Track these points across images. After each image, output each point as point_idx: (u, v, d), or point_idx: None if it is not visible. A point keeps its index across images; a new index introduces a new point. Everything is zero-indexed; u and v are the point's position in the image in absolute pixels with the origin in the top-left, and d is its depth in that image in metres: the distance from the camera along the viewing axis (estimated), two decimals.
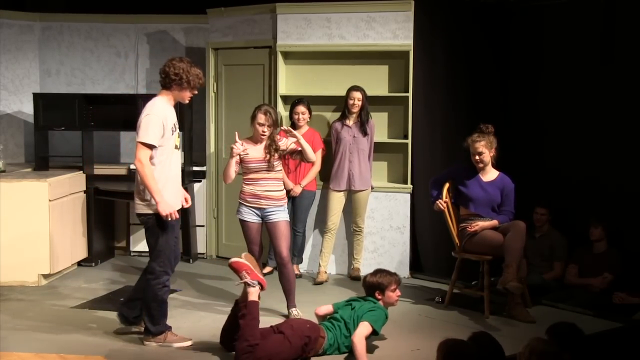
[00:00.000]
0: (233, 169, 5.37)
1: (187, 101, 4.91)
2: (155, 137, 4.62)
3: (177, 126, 4.83)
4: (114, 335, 5.00)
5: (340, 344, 4.67)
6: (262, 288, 4.76)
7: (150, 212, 4.72)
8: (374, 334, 4.70)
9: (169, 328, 4.91)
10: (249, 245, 5.49)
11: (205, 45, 7.36)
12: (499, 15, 7.05)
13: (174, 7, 7.79)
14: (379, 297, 4.86)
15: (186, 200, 5.01)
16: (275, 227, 5.39)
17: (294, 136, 5.41)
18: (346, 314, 4.77)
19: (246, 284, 4.71)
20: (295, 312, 5.40)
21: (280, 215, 5.41)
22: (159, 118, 4.64)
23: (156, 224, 4.73)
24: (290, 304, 5.47)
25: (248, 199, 5.41)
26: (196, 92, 4.86)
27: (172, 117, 4.76)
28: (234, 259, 4.83)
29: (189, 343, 4.85)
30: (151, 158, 4.66)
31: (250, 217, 5.43)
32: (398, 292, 4.92)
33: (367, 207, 6.61)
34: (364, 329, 4.63)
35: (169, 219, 4.69)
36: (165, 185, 4.71)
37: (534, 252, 6.36)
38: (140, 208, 4.76)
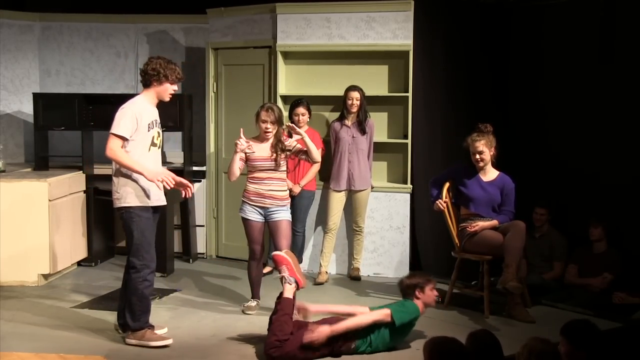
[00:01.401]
0: (237, 165, 5.39)
1: (168, 99, 4.90)
2: (127, 129, 4.68)
3: (156, 124, 4.84)
4: (114, 335, 4.99)
5: (372, 340, 4.66)
6: (297, 287, 4.81)
7: (123, 205, 4.76)
8: (392, 324, 4.63)
9: (150, 326, 4.88)
10: (251, 245, 5.50)
11: (205, 45, 7.36)
12: (499, 15, 7.05)
13: (173, 7, 7.78)
14: (419, 295, 4.82)
15: (186, 188, 4.93)
16: (277, 226, 5.41)
17: (298, 133, 5.43)
18: None
19: (282, 279, 4.77)
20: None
21: (283, 215, 5.43)
22: (132, 112, 4.71)
23: (131, 217, 4.75)
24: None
25: (252, 198, 5.43)
26: (176, 87, 4.88)
27: (149, 115, 4.79)
28: (277, 252, 4.89)
29: (167, 342, 4.79)
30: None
31: (254, 215, 5.44)
32: (436, 292, 4.91)
33: (367, 207, 6.61)
34: (379, 314, 4.63)
35: (167, 187, 4.77)
36: (140, 181, 4.75)
37: (534, 252, 6.36)
38: (114, 202, 4.82)
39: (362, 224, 6.59)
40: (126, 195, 4.76)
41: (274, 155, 5.37)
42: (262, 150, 5.41)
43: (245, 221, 5.47)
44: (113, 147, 4.69)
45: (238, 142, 5.35)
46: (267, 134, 5.39)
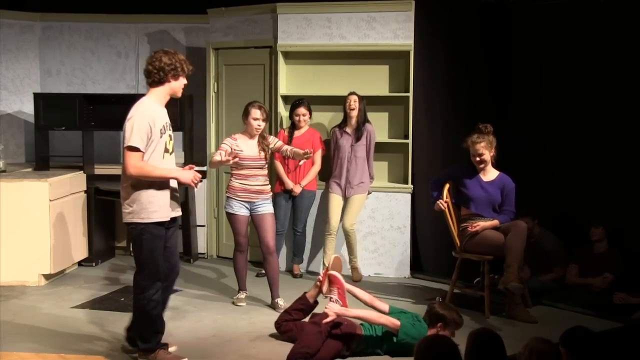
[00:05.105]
0: (220, 160, 5.28)
1: (180, 95, 4.49)
2: (142, 140, 4.21)
3: (168, 127, 4.40)
4: (114, 335, 4.98)
5: (373, 344, 4.67)
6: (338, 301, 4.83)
7: (135, 220, 4.30)
8: (395, 335, 4.58)
9: (163, 346, 4.51)
10: (238, 238, 5.66)
11: (205, 45, 7.37)
12: (499, 15, 7.05)
13: (174, 7, 7.79)
14: (439, 329, 4.51)
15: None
16: (262, 219, 5.61)
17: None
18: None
19: (330, 299, 4.79)
20: (281, 303, 5.50)
21: (268, 208, 5.66)
22: (142, 119, 4.23)
23: (141, 234, 4.31)
24: (274, 294, 5.64)
25: (239, 194, 5.59)
26: (186, 81, 4.45)
27: (160, 118, 4.33)
28: (334, 273, 4.87)
29: None
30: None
31: (242, 210, 5.61)
32: (454, 334, 4.61)
33: (367, 207, 6.60)
34: (390, 321, 4.58)
35: (195, 184, 4.45)
36: (155, 195, 4.30)
37: (531, 256, 6.31)
38: (125, 216, 4.36)
39: (353, 221, 6.51)
40: (139, 211, 4.28)
41: (262, 153, 5.60)
42: (250, 150, 5.59)
43: (233, 216, 5.61)
44: (135, 164, 4.20)
45: (224, 152, 5.34)
46: (259, 130, 5.60)
